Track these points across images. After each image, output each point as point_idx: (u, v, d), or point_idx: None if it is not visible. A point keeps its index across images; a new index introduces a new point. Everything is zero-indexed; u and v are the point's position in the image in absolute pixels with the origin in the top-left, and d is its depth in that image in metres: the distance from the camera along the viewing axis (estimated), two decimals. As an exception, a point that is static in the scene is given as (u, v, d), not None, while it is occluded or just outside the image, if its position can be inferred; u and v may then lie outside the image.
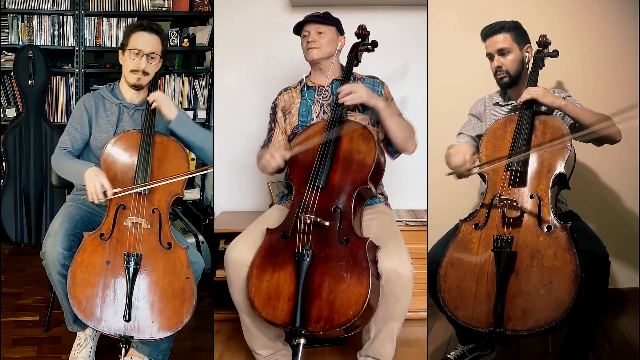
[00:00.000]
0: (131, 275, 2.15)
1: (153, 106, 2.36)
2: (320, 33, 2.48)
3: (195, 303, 2.19)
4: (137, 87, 2.44)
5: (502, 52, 2.43)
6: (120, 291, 2.15)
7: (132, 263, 2.16)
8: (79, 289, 2.15)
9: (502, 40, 2.43)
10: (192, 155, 3.93)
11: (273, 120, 2.62)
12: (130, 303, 2.13)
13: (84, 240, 2.20)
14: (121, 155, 2.33)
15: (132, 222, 2.22)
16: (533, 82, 2.37)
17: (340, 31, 2.55)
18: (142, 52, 2.37)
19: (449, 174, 2.30)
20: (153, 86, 2.46)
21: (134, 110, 2.46)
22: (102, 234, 2.22)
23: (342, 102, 2.39)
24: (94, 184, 2.20)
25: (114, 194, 2.21)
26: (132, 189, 2.24)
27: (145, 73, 2.40)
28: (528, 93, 2.29)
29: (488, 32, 2.46)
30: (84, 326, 2.36)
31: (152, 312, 2.16)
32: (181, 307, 2.17)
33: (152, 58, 2.40)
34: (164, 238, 2.24)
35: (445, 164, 2.53)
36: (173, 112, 2.38)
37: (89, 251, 2.19)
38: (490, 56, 2.47)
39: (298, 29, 2.54)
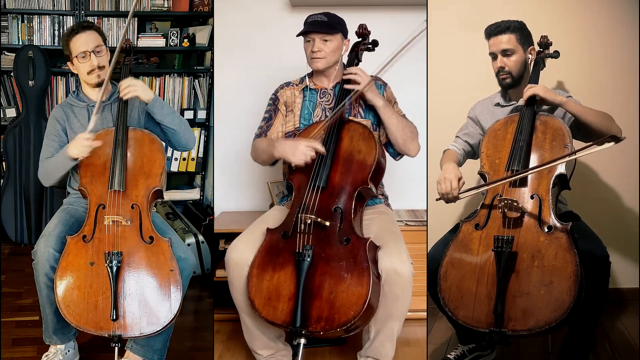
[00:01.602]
0: (114, 274, 2.15)
1: (130, 95, 2.32)
2: (326, 41, 2.42)
3: (181, 296, 2.19)
4: (100, 84, 2.44)
5: (505, 53, 2.43)
6: (106, 291, 2.15)
7: (114, 262, 2.16)
8: (67, 294, 2.15)
9: (507, 40, 2.42)
10: (193, 155, 3.97)
11: (274, 110, 2.56)
12: (116, 302, 2.14)
13: (67, 244, 2.21)
14: (97, 154, 2.32)
15: (111, 221, 2.22)
16: (534, 82, 2.37)
17: (345, 34, 2.49)
18: (87, 51, 2.39)
19: (438, 200, 2.33)
20: (123, 77, 2.44)
21: (102, 107, 2.46)
22: (84, 236, 2.22)
23: (345, 78, 2.39)
24: (80, 144, 2.24)
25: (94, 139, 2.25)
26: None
27: (100, 67, 2.41)
28: (529, 90, 2.28)
29: (493, 31, 2.45)
30: (62, 340, 2.37)
31: (138, 308, 2.16)
32: (167, 301, 2.18)
33: (98, 52, 2.40)
34: (145, 233, 2.24)
35: (441, 168, 2.54)
36: (149, 94, 2.36)
37: (72, 254, 2.20)
38: (494, 55, 2.46)
39: (301, 32, 2.49)
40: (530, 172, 2.14)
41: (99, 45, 2.41)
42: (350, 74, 2.40)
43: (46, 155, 2.44)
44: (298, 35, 2.46)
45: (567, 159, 2.09)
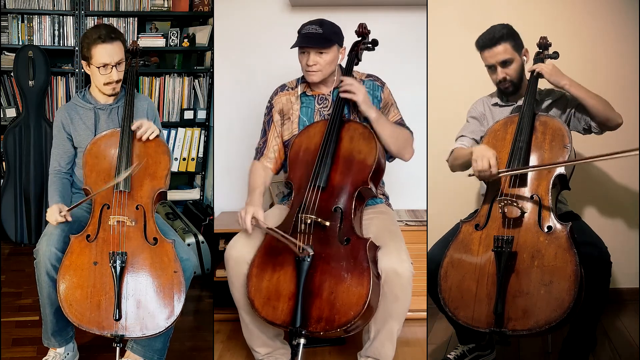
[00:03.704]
0: (118, 274, 2.16)
1: (143, 138, 2.34)
2: (321, 53, 2.37)
3: (184, 297, 2.20)
4: (111, 96, 2.45)
5: (505, 64, 2.40)
6: (109, 291, 2.16)
7: (118, 262, 2.16)
8: (69, 292, 2.16)
9: (504, 51, 2.39)
10: (193, 155, 3.97)
11: (268, 122, 2.54)
12: (119, 302, 2.14)
13: (71, 243, 2.21)
14: (102, 155, 2.33)
15: (116, 221, 2.22)
16: (533, 84, 2.36)
17: (341, 43, 2.44)
18: (109, 64, 2.35)
19: (471, 175, 2.25)
20: (130, 83, 2.44)
21: (109, 110, 2.46)
22: (88, 235, 2.23)
23: (340, 92, 2.36)
24: (53, 216, 2.28)
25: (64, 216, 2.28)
26: (78, 204, 2.31)
27: (118, 82, 2.40)
28: (539, 67, 2.31)
29: (487, 44, 2.41)
30: (60, 342, 2.37)
31: (141, 309, 2.17)
32: (170, 302, 2.18)
33: (119, 64, 2.38)
34: (149, 234, 2.24)
35: (444, 164, 2.54)
36: (157, 132, 2.39)
37: (76, 253, 2.20)
38: (492, 67, 2.43)
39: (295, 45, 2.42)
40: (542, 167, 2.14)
41: (121, 60, 2.38)
42: (346, 84, 2.35)
43: (54, 167, 2.47)
44: (292, 47, 2.39)
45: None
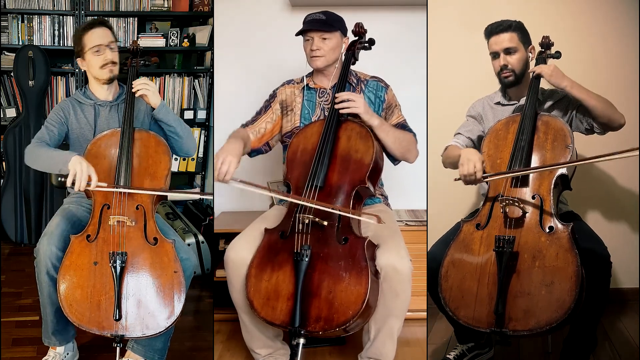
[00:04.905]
0: (118, 274, 2.15)
1: (139, 94, 2.35)
2: (325, 39, 2.43)
3: (184, 297, 2.20)
4: (111, 80, 2.46)
5: (508, 51, 2.42)
6: (110, 291, 2.16)
7: (118, 262, 2.16)
8: (69, 292, 2.15)
9: (509, 39, 2.41)
10: (193, 155, 3.97)
11: (266, 107, 2.56)
12: (119, 302, 2.14)
13: (71, 243, 2.21)
14: (102, 155, 2.33)
15: (116, 221, 2.22)
16: (535, 84, 2.36)
17: (344, 32, 2.49)
18: (101, 45, 2.41)
19: (457, 180, 2.26)
20: (131, 83, 2.43)
21: (109, 107, 2.48)
22: (88, 235, 2.22)
23: (337, 107, 2.35)
24: (82, 171, 2.14)
25: (98, 186, 2.17)
26: (115, 188, 2.24)
27: (113, 63, 2.43)
28: (539, 68, 2.31)
29: (494, 30, 2.44)
30: (61, 341, 2.37)
31: (142, 309, 2.16)
32: (171, 302, 2.18)
33: (111, 48, 2.43)
34: (149, 234, 2.24)
35: (443, 164, 2.53)
36: (157, 99, 2.38)
37: (76, 253, 2.20)
38: (495, 54, 2.45)
39: (300, 31, 2.49)
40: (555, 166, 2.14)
41: (112, 42, 2.44)
42: (343, 101, 2.33)
43: (41, 137, 2.38)
44: (297, 35, 2.46)
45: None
